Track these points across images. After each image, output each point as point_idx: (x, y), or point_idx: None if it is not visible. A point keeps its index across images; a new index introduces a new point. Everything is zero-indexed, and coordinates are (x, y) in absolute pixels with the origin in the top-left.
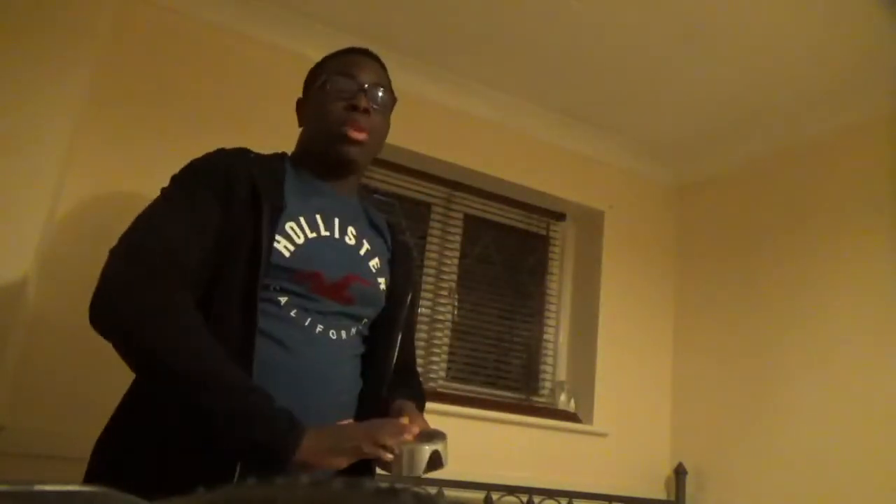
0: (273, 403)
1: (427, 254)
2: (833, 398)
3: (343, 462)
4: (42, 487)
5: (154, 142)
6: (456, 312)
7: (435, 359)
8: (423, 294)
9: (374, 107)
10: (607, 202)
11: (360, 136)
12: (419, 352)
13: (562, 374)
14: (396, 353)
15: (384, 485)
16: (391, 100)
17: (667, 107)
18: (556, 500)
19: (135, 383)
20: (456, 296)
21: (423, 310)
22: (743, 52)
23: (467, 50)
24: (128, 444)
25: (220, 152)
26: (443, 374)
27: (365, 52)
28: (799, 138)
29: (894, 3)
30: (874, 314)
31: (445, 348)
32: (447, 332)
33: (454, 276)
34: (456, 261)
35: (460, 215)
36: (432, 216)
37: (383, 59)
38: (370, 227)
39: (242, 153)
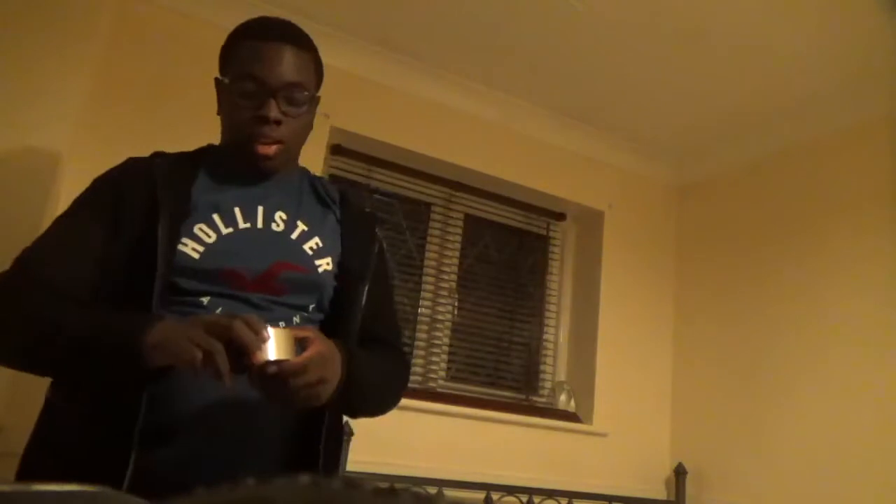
0: (122, 314)
1: (427, 254)
2: (833, 398)
3: (188, 359)
4: (42, 487)
5: (154, 141)
6: (456, 312)
7: (435, 359)
8: (423, 294)
9: (289, 110)
10: (607, 202)
11: (270, 150)
12: (419, 352)
13: (562, 374)
14: (357, 329)
15: (384, 485)
16: (312, 94)
17: (667, 107)
18: (556, 500)
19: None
20: (456, 296)
21: (423, 310)
22: (743, 52)
23: (467, 50)
24: (34, 468)
25: (124, 165)
26: (443, 374)
27: (276, 37)
28: (799, 138)
29: (894, 4)
30: (874, 314)
31: (445, 348)
32: (447, 332)
33: (454, 276)
34: (456, 261)
35: (460, 215)
36: (432, 216)
37: (383, 59)
38: (317, 203)
39: (148, 161)
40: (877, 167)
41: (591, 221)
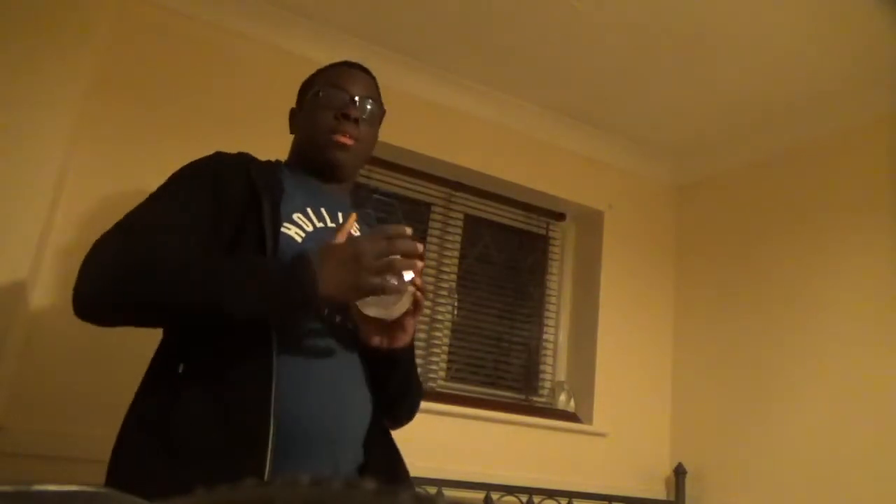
0: (274, 263)
1: (427, 254)
2: (832, 398)
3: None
4: (42, 487)
5: (154, 141)
6: (456, 312)
7: (435, 359)
8: None
9: (363, 117)
10: (607, 202)
11: (348, 141)
12: (419, 352)
13: (562, 374)
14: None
15: (384, 485)
16: (380, 112)
17: (667, 107)
18: (556, 500)
19: (140, 393)
20: (456, 296)
21: (423, 310)
22: (743, 52)
23: (467, 50)
24: (140, 459)
25: (217, 154)
26: (442, 374)
27: (356, 66)
28: (799, 138)
29: (894, 3)
30: (874, 314)
31: (445, 348)
32: (447, 332)
33: (454, 276)
34: (456, 261)
35: (460, 215)
36: (432, 216)
37: (383, 59)
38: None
39: (240, 155)
40: (877, 167)
41: (591, 221)
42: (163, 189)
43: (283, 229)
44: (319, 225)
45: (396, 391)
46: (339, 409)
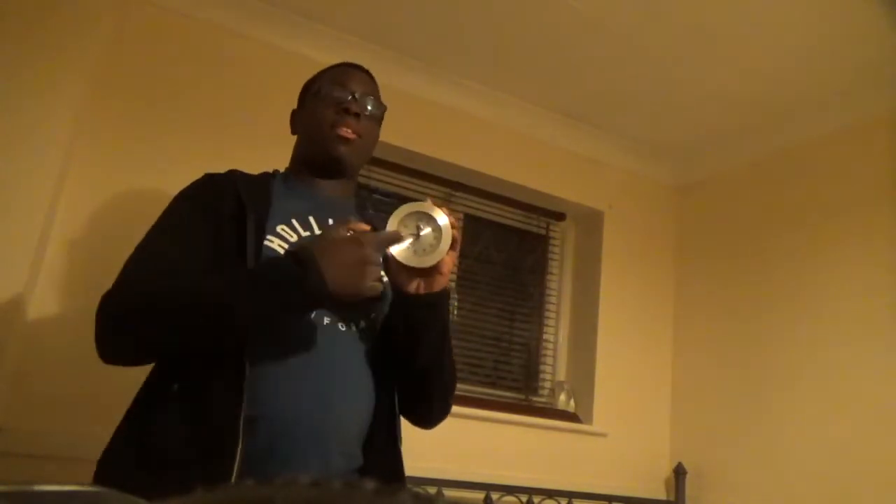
0: (273, 267)
1: None
2: (833, 398)
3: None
4: (42, 487)
5: (154, 142)
6: (456, 312)
7: None
8: None
9: (365, 113)
10: (607, 202)
11: (350, 134)
12: None
13: (561, 374)
14: None
15: (383, 485)
16: (380, 109)
17: (667, 107)
18: (556, 500)
19: (128, 411)
20: (456, 296)
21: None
22: (743, 52)
23: (467, 50)
24: (119, 471)
25: (206, 176)
26: None
27: (357, 66)
28: (799, 138)
29: (894, 4)
30: (874, 313)
31: None
32: None
33: (454, 276)
34: (456, 261)
35: (460, 215)
36: None
37: (383, 59)
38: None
39: (228, 173)
40: (876, 167)
41: (591, 221)
42: (159, 228)
43: (266, 242)
44: (305, 234)
45: (429, 361)
46: (326, 412)
